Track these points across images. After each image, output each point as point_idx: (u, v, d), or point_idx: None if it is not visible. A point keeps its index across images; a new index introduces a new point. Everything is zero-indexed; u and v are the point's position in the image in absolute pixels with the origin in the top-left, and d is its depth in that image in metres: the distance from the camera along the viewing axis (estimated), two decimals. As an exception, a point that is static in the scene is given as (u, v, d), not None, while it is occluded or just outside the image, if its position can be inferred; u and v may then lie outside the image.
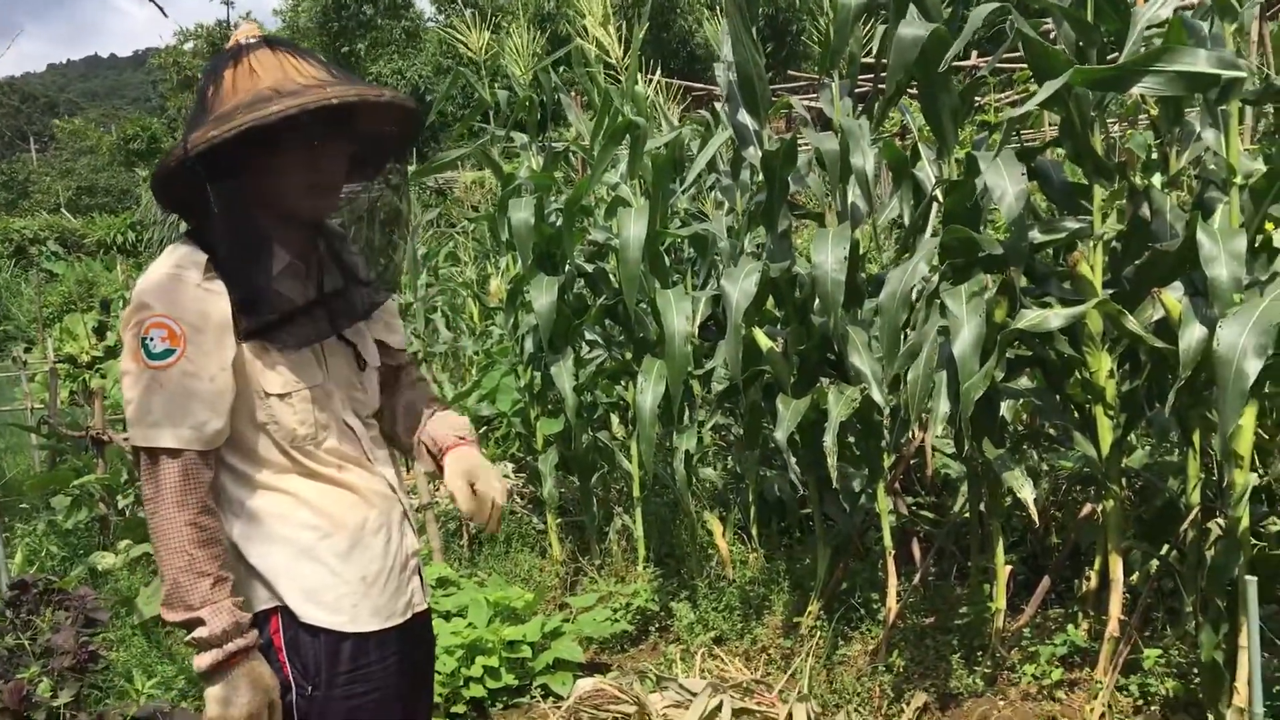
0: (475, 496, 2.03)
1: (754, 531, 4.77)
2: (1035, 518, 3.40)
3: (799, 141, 4.13)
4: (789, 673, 4.00)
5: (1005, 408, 3.82)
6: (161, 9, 2.22)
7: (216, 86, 1.82)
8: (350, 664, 1.90)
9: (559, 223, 5.01)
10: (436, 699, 3.72)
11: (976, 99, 4.82)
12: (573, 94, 7.64)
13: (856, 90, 4.29)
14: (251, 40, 1.86)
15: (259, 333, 1.84)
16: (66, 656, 3.82)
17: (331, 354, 1.98)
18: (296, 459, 1.89)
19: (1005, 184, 3.23)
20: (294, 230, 1.92)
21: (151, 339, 1.75)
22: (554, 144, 5.58)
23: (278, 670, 1.84)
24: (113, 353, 16.30)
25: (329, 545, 1.90)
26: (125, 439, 1.85)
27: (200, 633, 1.74)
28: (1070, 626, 3.69)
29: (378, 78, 33.88)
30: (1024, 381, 3.96)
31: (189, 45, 39.01)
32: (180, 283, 1.79)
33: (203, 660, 1.75)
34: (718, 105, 4.92)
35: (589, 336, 5.47)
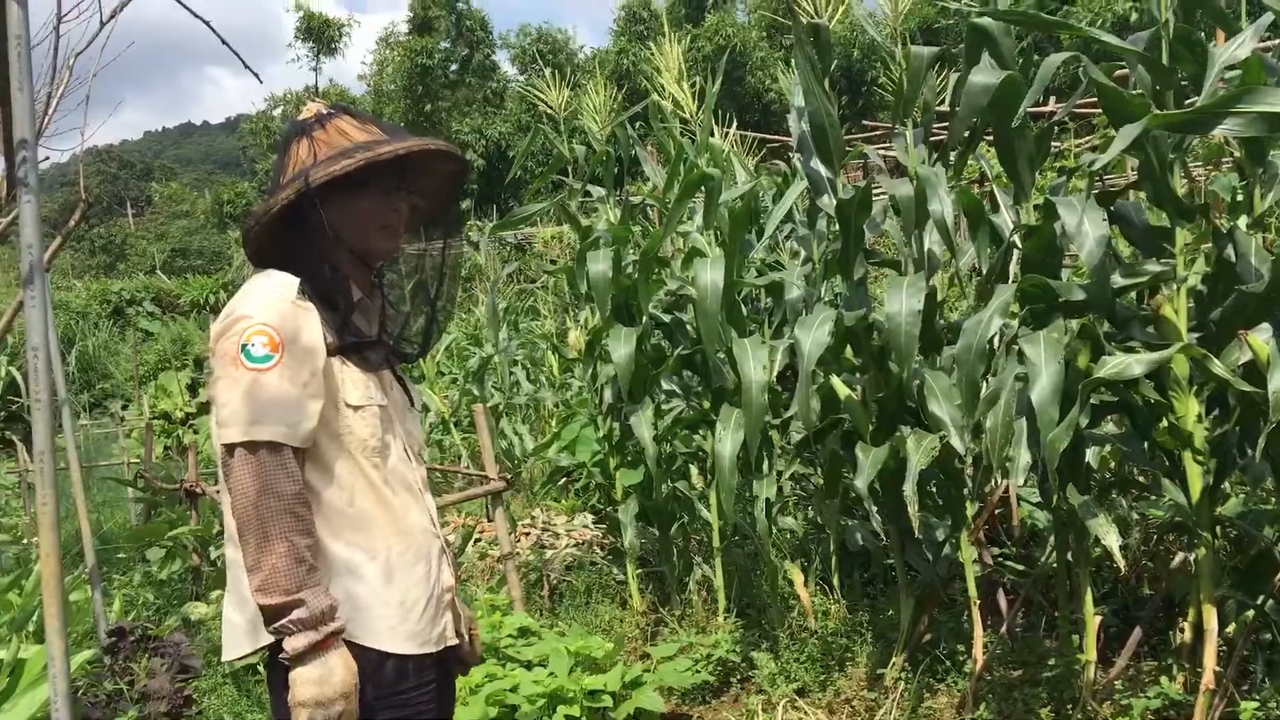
0: None
1: (835, 581, 4.73)
2: (1123, 567, 3.33)
3: (874, 189, 4.15)
4: (873, 725, 3.95)
5: (1091, 454, 3.75)
6: (256, 75, 2.34)
7: (310, 142, 2.05)
8: (392, 686, 1.97)
9: (636, 274, 5.07)
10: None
11: (1055, 144, 4.80)
12: (649, 148, 7.76)
13: (932, 138, 4.30)
14: (328, 111, 2.11)
15: (343, 349, 2.02)
16: (162, 701, 3.93)
17: (390, 386, 2.15)
18: (365, 472, 2.01)
19: (1086, 228, 3.21)
20: (360, 271, 2.14)
21: (253, 344, 1.90)
22: (631, 197, 5.66)
23: None
24: (205, 409, 16.78)
25: (372, 567, 1.99)
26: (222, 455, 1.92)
27: (299, 614, 1.82)
28: (1164, 679, 3.59)
29: (457, 135, 34.65)
30: (1110, 427, 3.90)
31: (278, 111, 40.30)
32: (278, 299, 1.95)
33: (298, 641, 1.82)
34: (793, 155, 4.96)
35: (667, 386, 5.49)
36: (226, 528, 2.01)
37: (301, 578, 1.83)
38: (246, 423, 1.87)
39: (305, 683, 1.82)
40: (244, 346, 1.89)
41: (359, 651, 1.93)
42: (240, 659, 2.04)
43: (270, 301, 1.94)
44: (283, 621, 1.83)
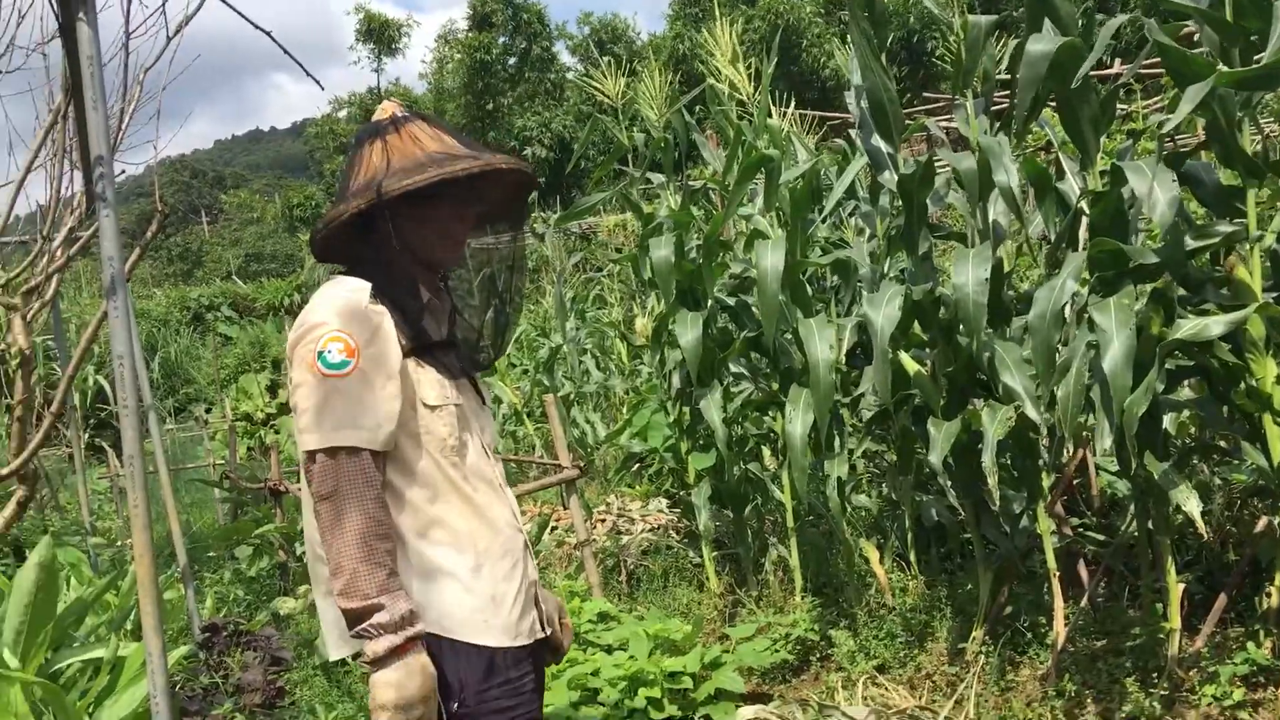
0: None
1: (912, 557, 4.71)
2: (1205, 533, 3.28)
3: (936, 162, 4.11)
4: (954, 699, 3.94)
5: (1169, 420, 3.69)
6: (318, 82, 2.40)
7: (384, 146, 2.06)
8: (492, 678, 2.00)
9: (699, 259, 5.08)
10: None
11: (1121, 106, 4.71)
12: (708, 132, 7.74)
13: (994, 107, 4.25)
14: (403, 114, 2.12)
15: (418, 351, 2.04)
16: (256, 694, 4.05)
17: (462, 388, 2.16)
18: (446, 471, 2.04)
19: (1155, 191, 3.16)
20: (427, 274, 2.15)
21: (329, 351, 1.92)
22: (691, 182, 5.67)
23: None
24: (285, 409, 17.13)
25: (462, 563, 2.02)
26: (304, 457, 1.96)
27: (380, 618, 1.84)
28: (1250, 645, 3.52)
29: (523, 130, 34.82)
30: (1187, 393, 3.83)
31: (342, 114, 40.85)
32: (352, 304, 1.98)
33: (379, 645, 1.85)
34: (852, 132, 4.93)
35: (735, 369, 5.51)
36: (307, 530, 2.07)
37: (381, 582, 1.86)
38: (326, 429, 1.90)
39: (385, 686, 1.85)
40: (320, 353, 1.92)
41: (456, 648, 1.97)
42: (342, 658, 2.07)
43: (345, 307, 1.97)
44: (363, 625, 1.85)
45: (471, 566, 2.02)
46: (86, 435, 11.95)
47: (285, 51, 2.30)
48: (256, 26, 2.28)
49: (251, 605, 6.16)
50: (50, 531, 6.31)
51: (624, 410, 7.56)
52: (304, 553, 6.34)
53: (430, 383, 2.04)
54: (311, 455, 1.92)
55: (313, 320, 1.96)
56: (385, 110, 2.13)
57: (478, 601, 2.01)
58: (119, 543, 7.28)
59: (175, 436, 15.54)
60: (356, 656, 1.99)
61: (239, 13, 2.35)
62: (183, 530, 5.01)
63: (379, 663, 1.86)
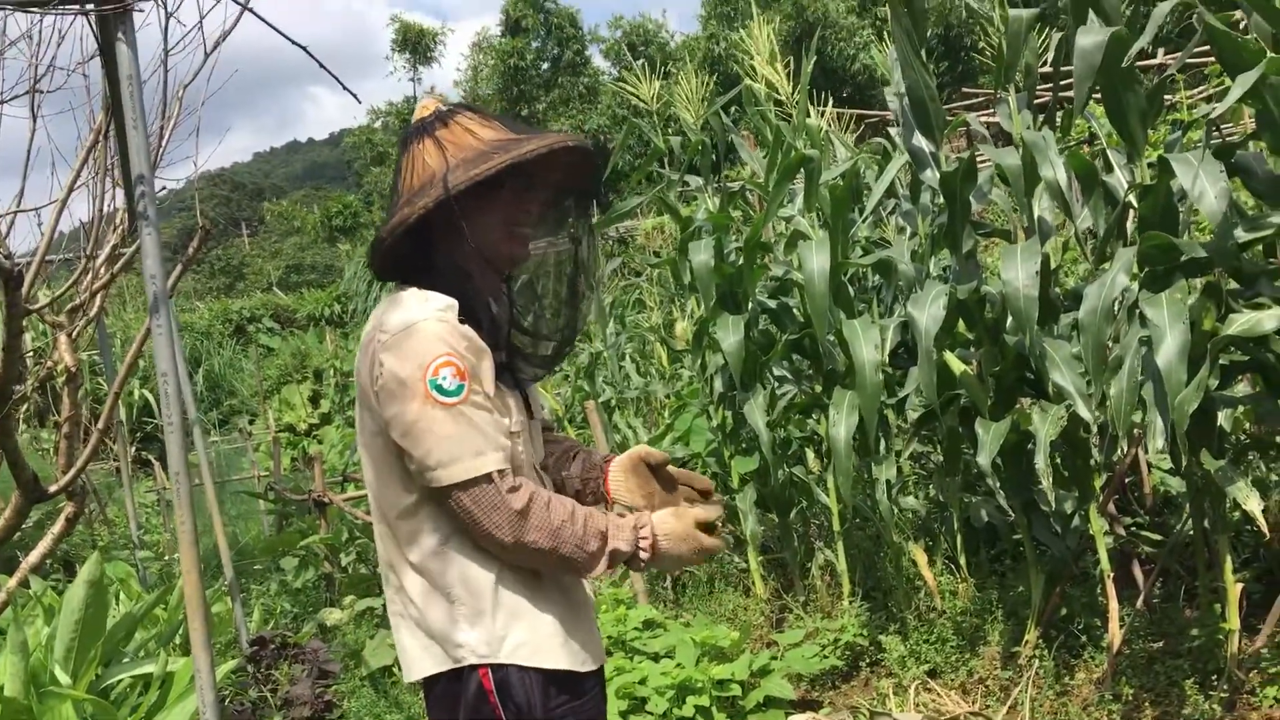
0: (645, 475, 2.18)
1: (962, 560, 4.64)
2: (1265, 530, 3.20)
3: (978, 159, 4.05)
4: (1008, 704, 3.87)
5: (1224, 417, 3.61)
6: (354, 95, 2.39)
7: (436, 143, 1.93)
8: (560, 700, 1.95)
9: (739, 261, 5.04)
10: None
11: (1166, 97, 4.63)
12: (745, 133, 7.69)
13: (1036, 101, 4.19)
14: (447, 108, 2.00)
15: (503, 367, 1.97)
16: (304, 707, 4.06)
17: (520, 404, 2.06)
18: None
19: (1204, 183, 3.09)
20: (493, 280, 2.01)
21: (443, 378, 1.81)
22: (729, 184, 5.64)
23: (491, 716, 1.91)
24: (327, 419, 17.25)
25: (537, 587, 1.95)
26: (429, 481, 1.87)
27: (621, 546, 1.91)
28: (1315, 646, 3.44)
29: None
30: (1242, 388, 3.75)
31: (379, 123, 41.13)
32: (446, 323, 1.85)
33: (643, 561, 1.94)
34: (891, 130, 4.88)
35: (778, 372, 5.46)
36: (394, 555, 1.97)
37: (597, 524, 1.90)
38: (471, 458, 1.82)
39: (673, 563, 1.97)
40: (434, 383, 1.80)
41: (526, 673, 1.92)
42: (423, 678, 2.00)
43: (442, 329, 1.84)
44: (626, 557, 1.92)
45: (548, 589, 1.97)
46: (133, 449, 12.08)
47: (321, 65, 2.29)
48: (293, 42, 2.28)
49: (298, 617, 6.18)
50: (99, 547, 6.38)
51: (665, 415, 7.52)
52: (349, 564, 6.40)
53: (511, 406, 1.97)
54: (462, 486, 1.83)
55: (411, 347, 1.83)
56: (427, 107, 2.01)
57: (548, 626, 1.96)
58: (166, 556, 7.34)
59: (220, 449, 15.67)
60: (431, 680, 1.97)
61: (277, 30, 2.35)
62: (229, 543, 5.03)
63: (654, 561, 1.95)
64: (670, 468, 2.20)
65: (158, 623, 4.48)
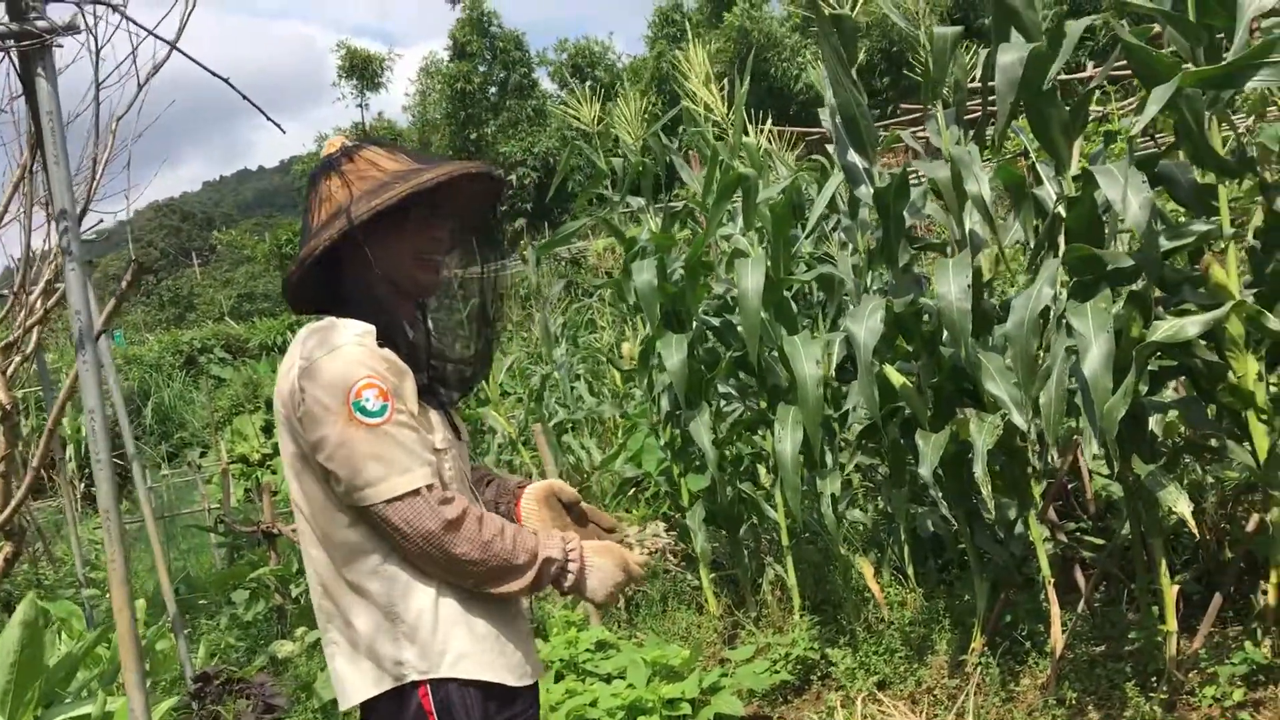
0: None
1: (910, 571, 4.68)
2: (1196, 532, 3.26)
3: (911, 174, 4.11)
4: (955, 712, 3.91)
5: (1155, 422, 3.68)
6: (279, 126, 2.40)
7: (342, 176, 1.99)
8: (500, 716, 1.98)
9: (682, 281, 5.07)
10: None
11: (1096, 109, 4.72)
12: (690, 153, 7.74)
13: (967, 116, 4.25)
14: (352, 143, 2.06)
15: (425, 389, 2.00)
16: (250, 743, 4.01)
17: (445, 424, 2.09)
18: None
19: (1128, 195, 3.15)
20: (406, 307, 2.09)
21: (366, 399, 1.86)
22: (672, 204, 5.67)
23: None
24: (279, 450, 17.07)
25: (472, 604, 1.97)
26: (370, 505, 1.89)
27: (550, 559, 1.96)
28: (1249, 644, 3.51)
29: (508, 156, 34.88)
30: (1172, 394, 3.82)
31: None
32: (365, 347, 1.91)
33: (569, 580, 1.99)
34: (829, 147, 4.93)
35: (723, 389, 5.49)
36: (330, 578, 1.99)
37: (526, 541, 1.94)
38: (396, 475, 1.86)
39: (602, 592, 2.02)
40: (357, 405, 1.85)
41: (466, 688, 1.94)
42: (359, 703, 2.00)
43: (362, 354, 1.89)
44: (550, 575, 1.96)
45: (476, 607, 1.98)
46: (82, 485, 11.88)
47: (244, 96, 2.30)
48: (215, 74, 2.28)
49: (250, 651, 6.11)
50: (42, 585, 6.28)
51: (619, 435, 7.53)
52: (299, 594, 6.33)
53: (435, 424, 2.01)
54: (389, 504, 1.86)
55: (333, 371, 1.87)
56: (332, 144, 2.07)
57: (484, 641, 1.98)
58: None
59: (170, 482, 15.47)
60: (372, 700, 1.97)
61: (199, 63, 2.35)
62: (180, 577, 4.98)
63: (580, 587, 2.01)
64: (582, 504, 2.30)
65: (100, 662, 4.41)
